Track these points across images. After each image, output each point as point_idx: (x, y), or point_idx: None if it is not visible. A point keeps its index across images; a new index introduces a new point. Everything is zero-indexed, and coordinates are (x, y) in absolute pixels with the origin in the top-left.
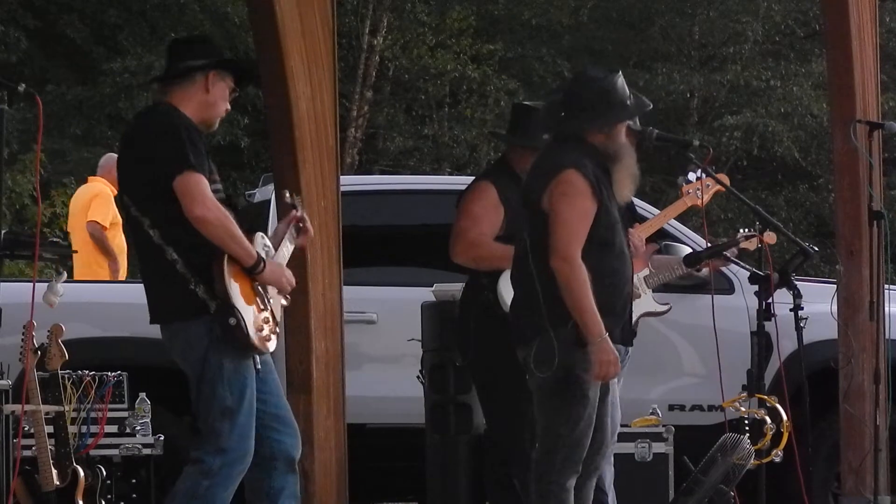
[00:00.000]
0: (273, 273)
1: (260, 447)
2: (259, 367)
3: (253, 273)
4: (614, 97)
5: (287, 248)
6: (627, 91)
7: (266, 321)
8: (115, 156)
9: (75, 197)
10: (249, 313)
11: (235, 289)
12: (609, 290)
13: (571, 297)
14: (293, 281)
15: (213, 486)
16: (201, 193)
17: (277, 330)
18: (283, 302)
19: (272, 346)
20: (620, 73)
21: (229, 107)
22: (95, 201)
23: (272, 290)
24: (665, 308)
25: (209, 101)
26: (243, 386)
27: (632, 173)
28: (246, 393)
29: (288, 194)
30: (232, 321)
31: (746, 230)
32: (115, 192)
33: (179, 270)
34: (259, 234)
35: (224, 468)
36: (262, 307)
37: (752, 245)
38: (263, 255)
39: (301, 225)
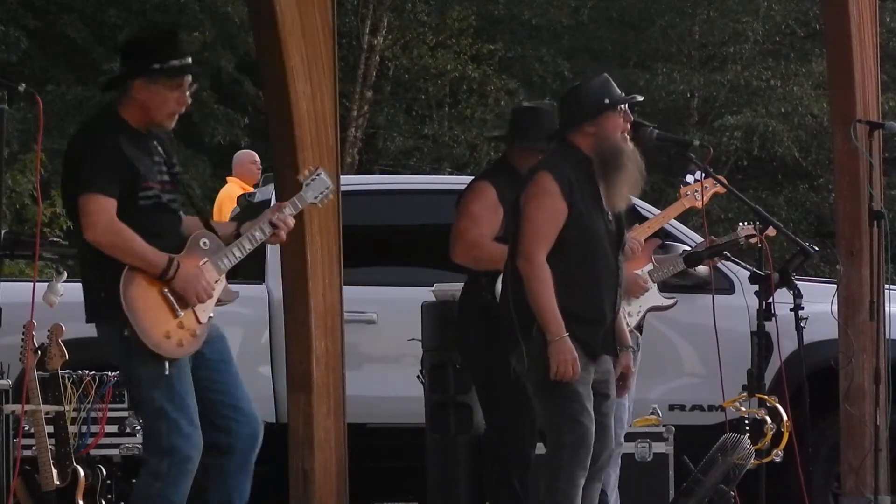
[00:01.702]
0: (183, 282)
1: (218, 437)
2: (209, 355)
3: (162, 280)
4: (588, 96)
5: (247, 244)
6: (609, 89)
7: (181, 326)
8: (247, 152)
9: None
10: (149, 321)
11: (134, 298)
12: (577, 297)
13: (531, 295)
14: (210, 292)
15: (165, 487)
16: (93, 218)
17: (198, 332)
18: (224, 299)
19: (188, 350)
20: (605, 74)
21: (188, 96)
22: (225, 206)
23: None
24: (671, 302)
25: (146, 106)
26: (170, 384)
27: (631, 181)
28: (176, 389)
29: (306, 172)
30: (126, 332)
31: (745, 224)
32: (246, 189)
33: (95, 276)
34: (201, 234)
35: (173, 468)
36: (175, 313)
37: (753, 239)
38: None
39: (277, 223)
